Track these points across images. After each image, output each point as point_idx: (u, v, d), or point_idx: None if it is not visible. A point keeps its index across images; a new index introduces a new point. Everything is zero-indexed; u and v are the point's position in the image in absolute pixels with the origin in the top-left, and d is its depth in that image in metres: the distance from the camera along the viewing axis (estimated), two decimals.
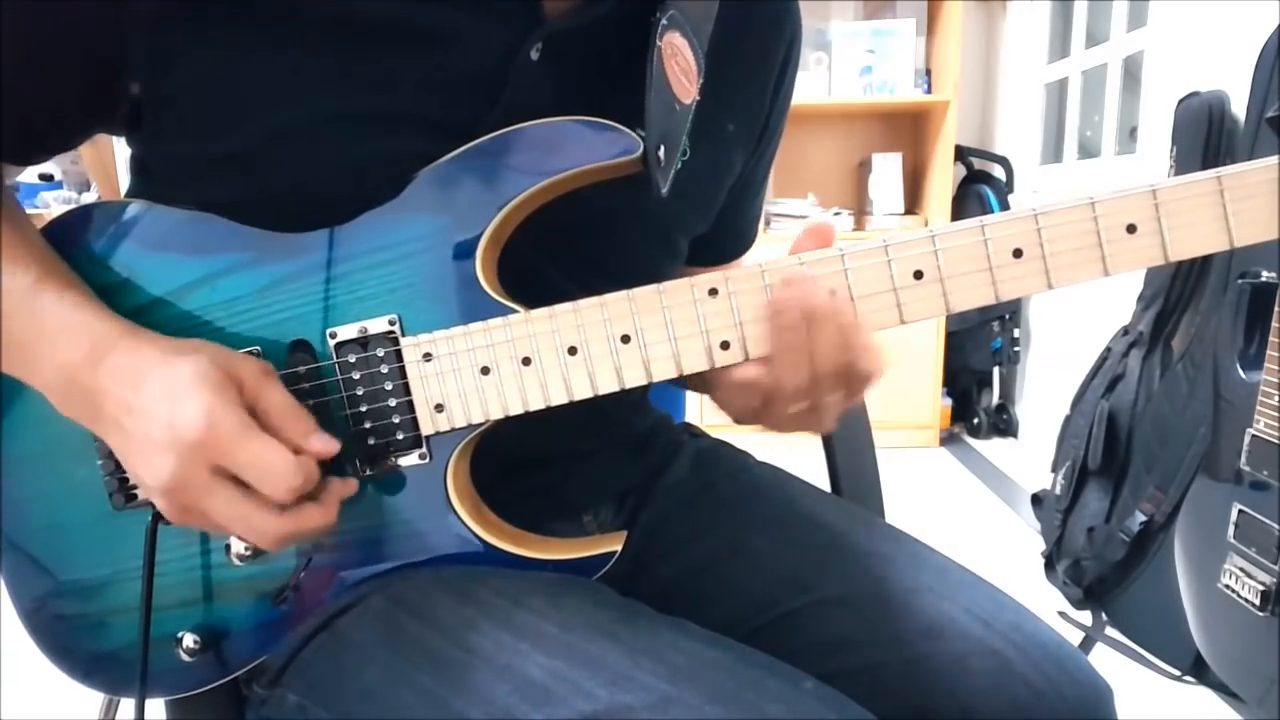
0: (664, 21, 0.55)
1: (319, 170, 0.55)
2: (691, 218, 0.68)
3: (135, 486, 0.57)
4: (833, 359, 0.50)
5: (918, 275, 0.51)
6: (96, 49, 0.53)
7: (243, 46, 0.52)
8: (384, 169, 0.54)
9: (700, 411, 0.98)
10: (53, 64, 0.53)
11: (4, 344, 0.52)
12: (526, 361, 0.54)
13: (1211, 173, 0.49)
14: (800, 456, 0.93)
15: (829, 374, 0.51)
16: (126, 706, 0.59)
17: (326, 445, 0.51)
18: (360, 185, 0.54)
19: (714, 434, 0.80)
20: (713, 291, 0.53)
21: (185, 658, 0.58)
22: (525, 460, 0.63)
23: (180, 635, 0.57)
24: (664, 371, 0.54)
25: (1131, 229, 0.50)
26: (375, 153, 0.54)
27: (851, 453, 0.87)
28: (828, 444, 0.86)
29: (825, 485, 0.81)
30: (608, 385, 0.54)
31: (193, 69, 0.53)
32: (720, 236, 0.75)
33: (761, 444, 0.77)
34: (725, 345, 0.53)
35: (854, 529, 0.67)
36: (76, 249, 0.56)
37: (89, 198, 3.43)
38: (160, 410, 0.48)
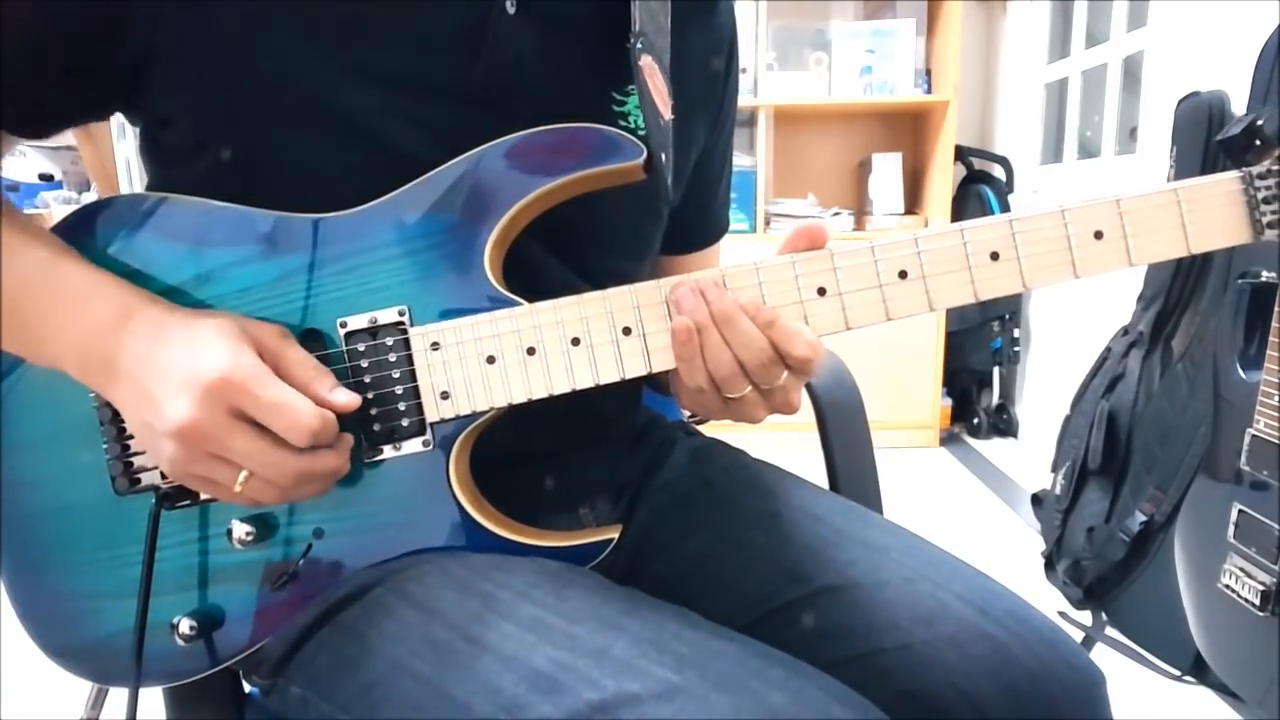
0: (638, 45, 0.58)
1: (313, 130, 0.56)
2: (671, 188, 0.70)
3: (140, 471, 0.57)
4: (754, 350, 0.53)
5: (902, 275, 0.55)
6: (99, 21, 0.54)
7: (237, 4, 0.53)
8: (378, 122, 0.56)
9: None
10: (58, 38, 0.54)
11: (18, 321, 0.53)
12: (531, 351, 0.56)
13: (1170, 186, 0.55)
14: (800, 457, 0.93)
15: (758, 364, 0.53)
16: (117, 702, 0.58)
17: (349, 399, 0.53)
18: (355, 142, 0.56)
19: (709, 434, 0.81)
20: None
21: (181, 643, 0.58)
22: (522, 456, 0.64)
23: (176, 621, 0.58)
24: (664, 362, 0.56)
25: (1099, 235, 0.55)
26: (366, 108, 0.56)
27: (851, 453, 0.87)
28: (827, 444, 0.86)
29: (825, 485, 0.81)
30: (610, 375, 0.56)
31: (193, 26, 0.54)
32: (691, 224, 0.77)
33: (761, 444, 0.77)
34: None
35: (849, 521, 0.67)
36: (93, 242, 0.57)
37: (89, 198, 3.43)
38: (180, 359, 0.50)
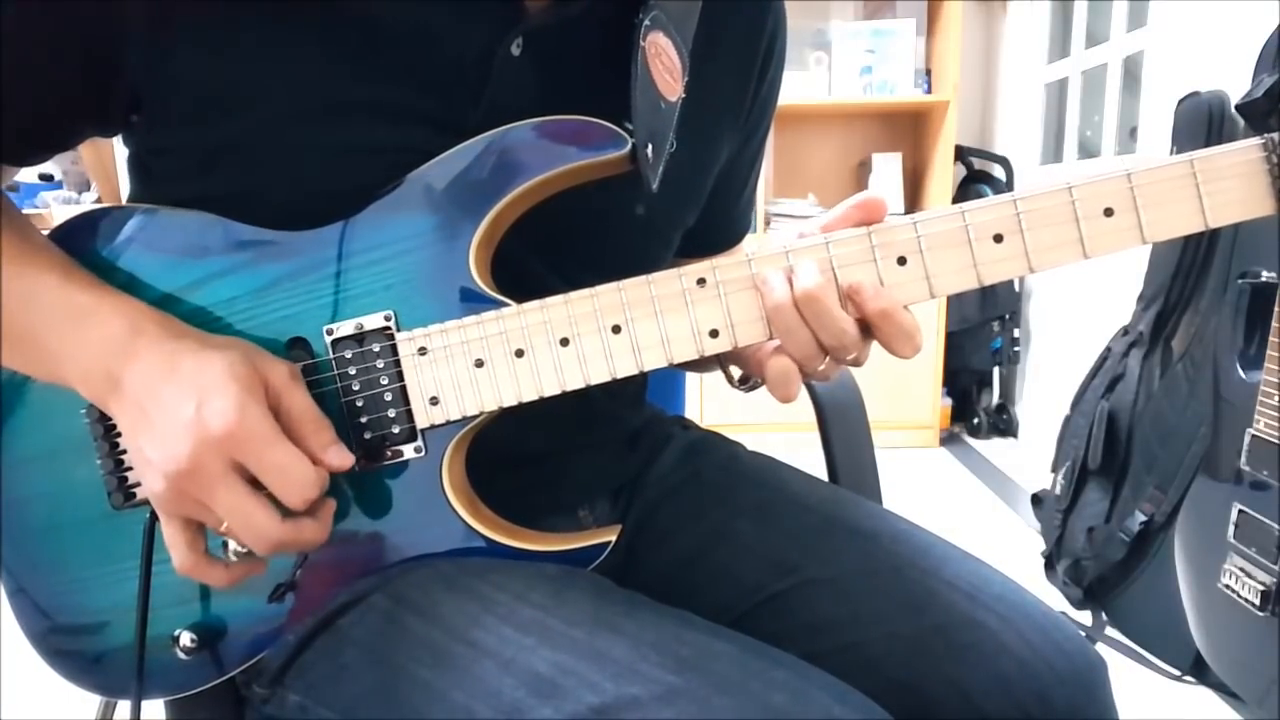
0: (646, 22, 0.56)
1: (310, 160, 0.55)
2: (680, 211, 0.69)
3: (135, 485, 0.57)
4: (835, 333, 0.51)
5: (901, 261, 0.53)
6: (93, 46, 0.53)
7: (234, 40, 0.53)
8: (373, 159, 0.55)
9: (700, 408, 0.97)
10: (50, 62, 0.54)
11: (30, 339, 0.53)
12: (520, 353, 0.54)
13: (1185, 156, 0.51)
14: (800, 456, 0.93)
15: (839, 345, 0.52)
16: (125, 708, 0.59)
17: (343, 460, 0.52)
18: (351, 176, 0.55)
19: (713, 429, 0.80)
20: (700, 281, 0.54)
21: (182, 656, 0.58)
22: (521, 457, 0.64)
23: (177, 634, 0.57)
24: (654, 361, 0.54)
25: (1109, 212, 0.51)
26: (363, 143, 0.55)
27: (851, 453, 0.87)
28: (827, 444, 0.86)
29: None
30: (599, 375, 0.55)
31: (186, 62, 0.53)
32: (710, 227, 0.76)
33: (761, 444, 0.77)
34: (714, 334, 0.54)
35: (839, 509, 0.67)
36: (80, 255, 0.56)
37: (89, 197, 3.43)
38: (188, 399, 0.48)
